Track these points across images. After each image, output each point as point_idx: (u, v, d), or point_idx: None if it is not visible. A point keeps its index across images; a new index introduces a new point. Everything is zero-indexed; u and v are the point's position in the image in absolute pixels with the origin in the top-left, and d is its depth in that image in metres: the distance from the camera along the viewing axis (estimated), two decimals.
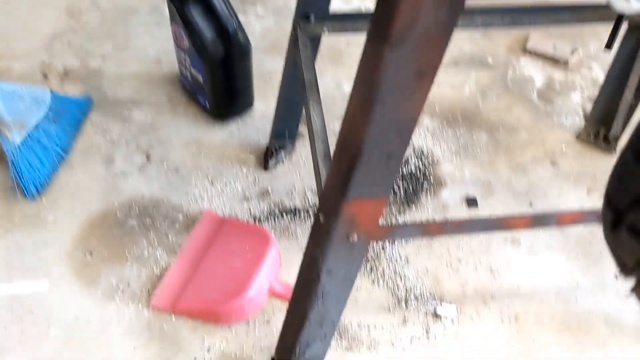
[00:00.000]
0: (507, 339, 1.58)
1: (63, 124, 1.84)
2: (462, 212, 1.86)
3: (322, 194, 1.06)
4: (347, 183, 0.96)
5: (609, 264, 1.76)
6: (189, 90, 2.02)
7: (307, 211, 1.80)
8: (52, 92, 1.86)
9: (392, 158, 0.93)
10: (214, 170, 1.88)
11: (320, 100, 1.35)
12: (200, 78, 1.89)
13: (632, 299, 0.66)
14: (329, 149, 1.25)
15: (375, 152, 0.92)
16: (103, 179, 1.81)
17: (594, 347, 1.59)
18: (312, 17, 1.44)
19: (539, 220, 1.11)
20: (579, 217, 1.12)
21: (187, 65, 1.91)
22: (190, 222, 1.73)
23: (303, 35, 1.45)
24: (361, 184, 0.96)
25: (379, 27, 0.80)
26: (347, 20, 1.46)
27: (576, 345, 1.59)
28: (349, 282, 1.14)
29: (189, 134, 1.97)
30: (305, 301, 1.18)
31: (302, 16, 1.44)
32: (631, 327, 1.63)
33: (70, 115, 1.88)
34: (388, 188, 0.98)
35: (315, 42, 1.51)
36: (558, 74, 2.31)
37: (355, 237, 1.05)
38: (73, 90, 2.04)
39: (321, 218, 1.06)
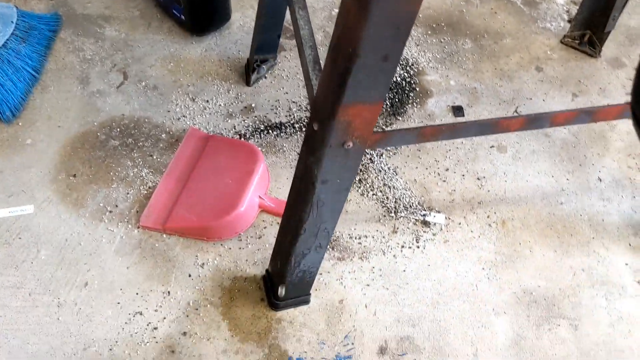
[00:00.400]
0: (494, 242, 1.62)
1: (33, 43, 1.75)
2: (448, 121, 1.85)
3: (315, 101, 1.03)
4: (342, 87, 0.93)
5: (593, 167, 1.79)
6: (162, 3, 1.92)
7: (293, 125, 1.77)
8: (17, 9, 1.75)
9: (388, 59, 0.90)
10: (194, 87, 1.82)
11: (306, 4, 1.29)
12: None
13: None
14: (317, 54, 1.20)
15: (372, 53, 0.88)
16: (80, 99, 1.74)
17: (578, 246, 1.63)
18: None
19: (533, 121, 1.10)
20: (572, 116, 1.11)
21: None
22: (174, 141, 1.69)
23: None
24: (357, 88, 0.93)
25: None
26: None
27: (561, 245, 1.63)
28: (343, 191, 1.13)
29: (166, 49, 1.89)
30: (300, 211, 1.17)
31: None
32: (614, 227, 1.67)
33: (39, 33, 1.78)
34: (384, 92, 0.96)
35: None
36: None
37: (350, 144, 1.02)
38: (39, 7, 1.93)
39: (315, 126, 1.03)
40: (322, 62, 1.10)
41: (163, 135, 1.70)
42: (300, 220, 1.18)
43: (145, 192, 1.58)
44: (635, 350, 1.47)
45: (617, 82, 2.00)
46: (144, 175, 1.61)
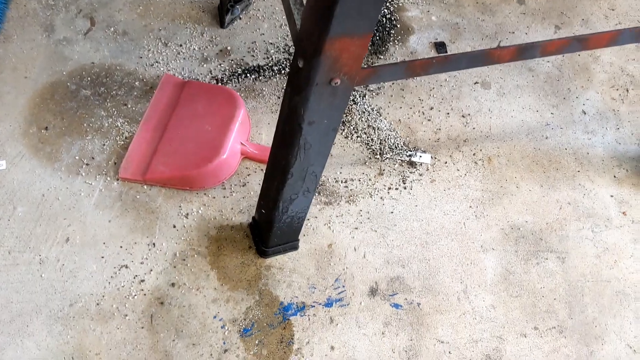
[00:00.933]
0: (481, 179, 1.60)
1: None
2: None
3: (299, 37, 0.98)
4: (329, 19, 0.88)
5: (577, 101, 1.77)
6: None
7: (272, 68, 1.71)
8: None
9: None
10: (166, 31, 1.73)
11: None
12: None
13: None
14: None
15: None
16: (46, 48, 1.65)
17: (563, 180, 1.63)
18: None
19: (525, 51, 1.06)
20: (564, 45, 1.07)
21: None
22: (148, 88, 1.62)
23: None
24: (344, 19, 0.88)
25: None
26: None
27: (547, 180, 1.62)
28: (331, 132, 1.09)
29: None
30: (286, 155, 1.13)
31: None
32: (599, 160, 1.67)
33: None
34: (372, 23, 0.91)
35: None
36: None
37: (338, 81, 0.98)
38: None
39: (300, 63, 0.98)
40: None
41: (136, 83, 1.63)
42: (287, 164, 1.14)
43: (122, 142, 1.52)
44: (621, 280, 1.49)
45: (600, 12, 1.97)
46: (119, 125, 1.55)
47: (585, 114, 1.75)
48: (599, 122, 1.74)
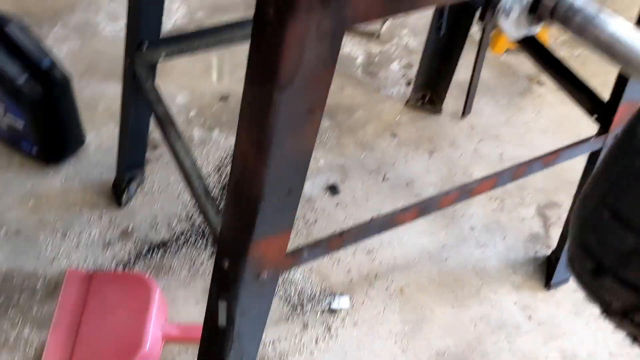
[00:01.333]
0: (398, 311, 1.67)
1: None
2: (327, 202, 1.90)
3: (222, 239, 1.02)
4: (251, 226, 0.93)
5: (463, 218, 1.93)
6: (8, 140, 1.78)
7: (177, 241, 1.71)
8: None
9: (292, 193, 0.92)
10: (61, 221, 1.70)
11: (180, 134, 1.27)
12: (20, 124, 1.68)
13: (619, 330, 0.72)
14: (205, 185, 1.19)
15: (276, 191, 0.90)
16: None
17: (471, 297, 1.74)
18: (146, 44, 1.35)
19: (425, 209, 1.18)
20: (455, 197, 1.20)
21: (1, 114, 1.69)
22: (52, 288, 1.56)
23: (141, 65, 1.34)
24: (265, 224, 0.93)
25: (264, 71, 0.77)
26: (183, 42, 1.39)
27: (456, 299, 1.73)
28: (263, 316, 1.12)
29: (21, 187, 1.75)
30: (220, 347, 1.13)
31: (135, 45, 1.34)
32: (496, 271, 1.81)
33: None
34: (291, 220, 0.97)
35: (152, 69, 1.41)
36: (374, 47, 2.44)
37: (265, 274, 1.02)
38: None
39: (225, 264, 1.01)
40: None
41: (38, 284, 1.56)
42: (222, 355, 1.14)
43: (33, 353, 1.43)
44: None
45: (462, 133, 2.20)
46: (26, 335, 1.46)
47: (473, 229, 1.91)
48: (486, 234, 1.90)
